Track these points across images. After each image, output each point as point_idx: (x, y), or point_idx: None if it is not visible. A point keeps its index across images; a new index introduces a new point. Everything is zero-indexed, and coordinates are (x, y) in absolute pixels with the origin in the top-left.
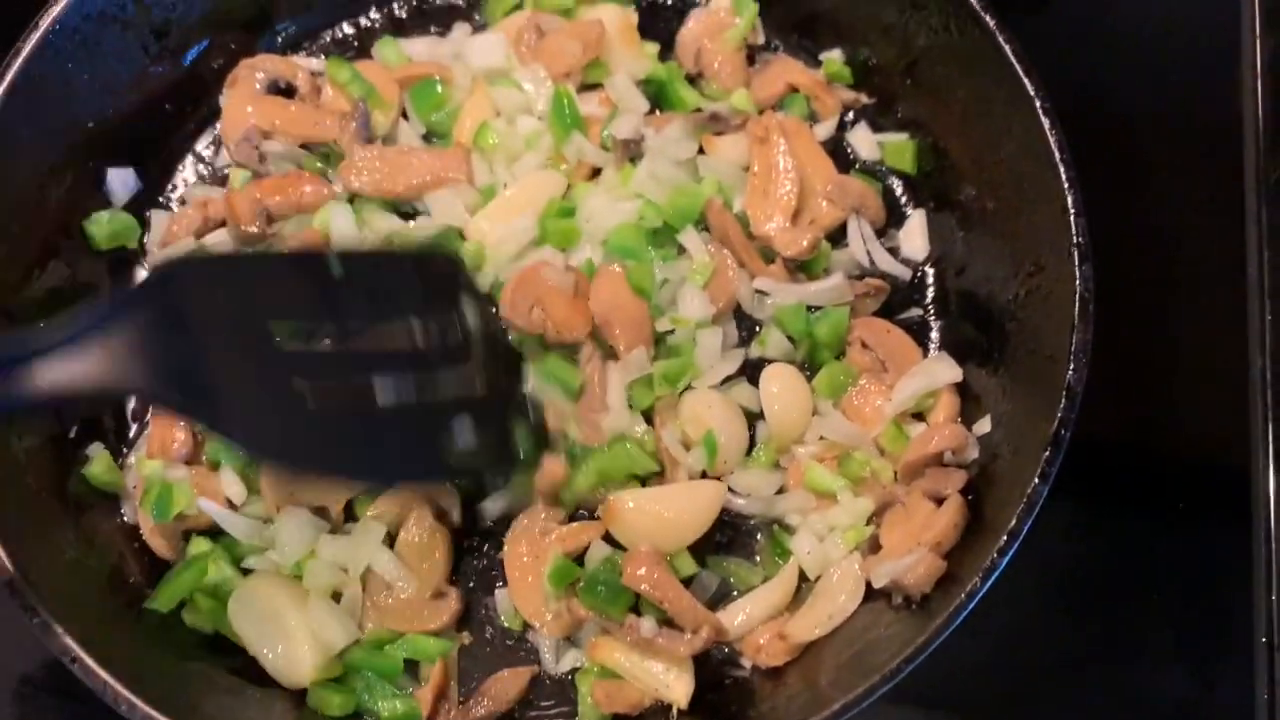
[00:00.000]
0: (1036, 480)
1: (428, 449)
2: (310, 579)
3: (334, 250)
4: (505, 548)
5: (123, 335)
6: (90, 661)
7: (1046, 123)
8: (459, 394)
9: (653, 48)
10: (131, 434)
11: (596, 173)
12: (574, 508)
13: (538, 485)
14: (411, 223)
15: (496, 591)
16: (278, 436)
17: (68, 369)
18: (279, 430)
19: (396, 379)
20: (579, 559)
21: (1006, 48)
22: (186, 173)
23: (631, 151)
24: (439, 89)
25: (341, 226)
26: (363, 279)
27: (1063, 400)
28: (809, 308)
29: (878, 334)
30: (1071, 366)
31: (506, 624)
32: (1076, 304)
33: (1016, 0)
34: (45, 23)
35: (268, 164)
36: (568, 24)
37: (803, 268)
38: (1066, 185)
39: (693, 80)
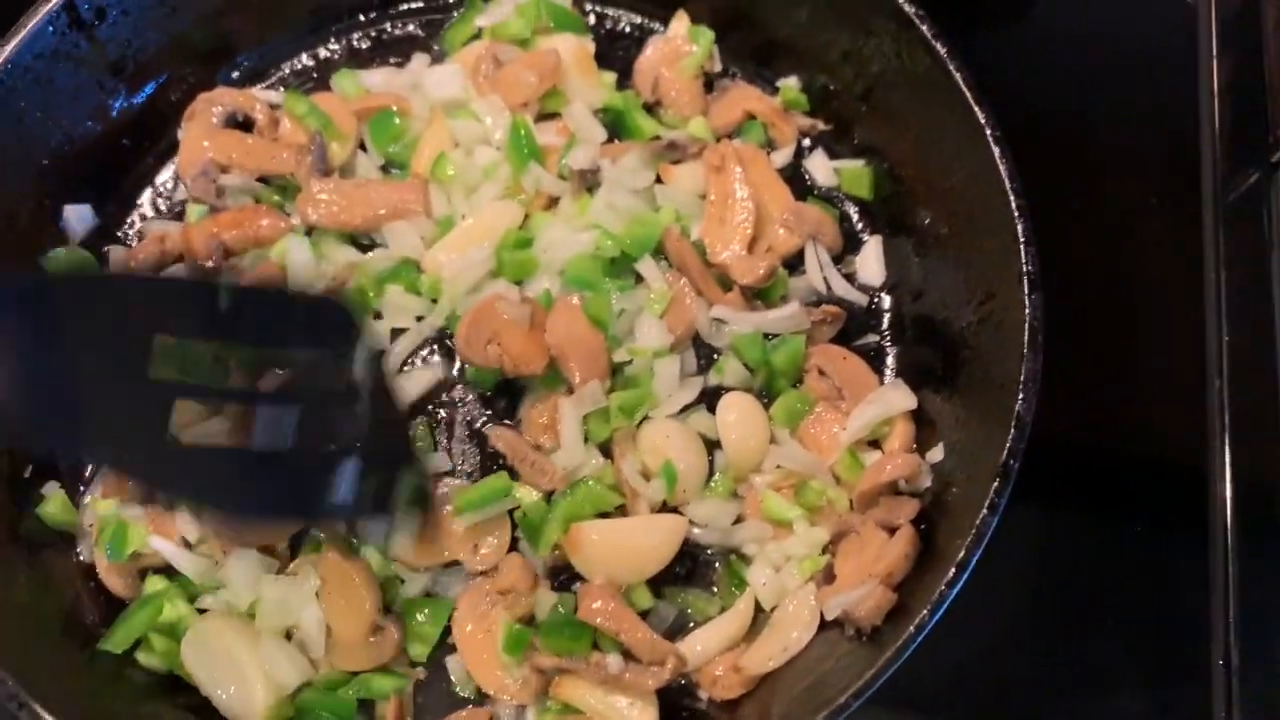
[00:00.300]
0: (985, 511)
1: (300, 490)
2: (261, 619)
3: (225, 282)
4: (453, 627)
5: None
6: (37, 707)
7: (997, 151)
8: (337, 439)
9: (610, 77)
10: (88, 473)
11: (555, 202)
12: (550, 554)
13: (476, 563)
14: (369, 254)
15: (449, 659)
16: (144, 459)
17: None
18: (146, 453)
19: (273, 417)
20: (529, 621)
21: (957, 75)
22: (144, 208)
23: (588, 181)
24: (396, 121)
25: (298, 260)
26: (252, 314)
27: (1011, 430)
28: (766, 335)
29: (834, 361)
30: (1021, 396)
31: (460, 691)
32: (1026, 333)
33: (990, 13)
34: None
35: (225, 198)
36: (524, 54)
37: (760, 295)
38: (1016, 214)
39: (650, 109)
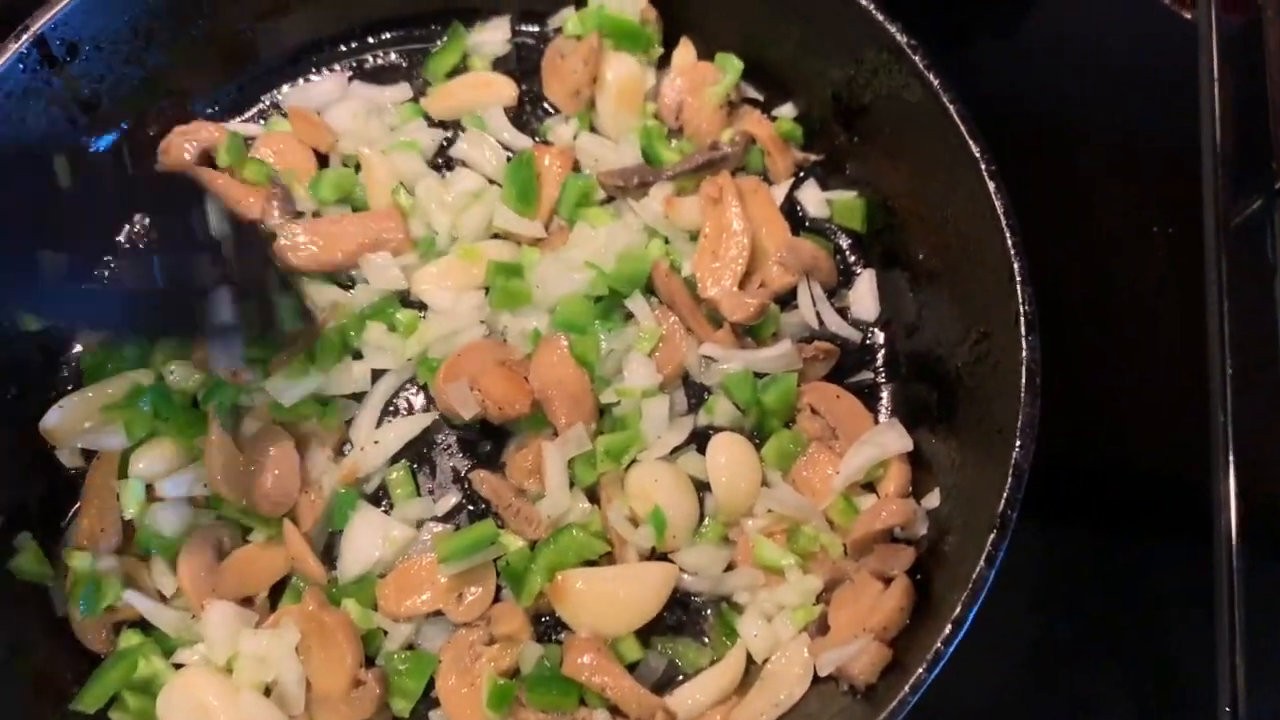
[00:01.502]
0: (982, 564)
1: (183, 315)
2: (239, 675)
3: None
4: (436, 680)
5: None
6: None
7: (992, 186)
8: (203, 277)
9: (651, 106)
10: (64, 523)
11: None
12: (534, 604)
13: (461, 614)
14: (351, 291)
15: (432, 714)
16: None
17: None
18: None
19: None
20: (514, 674)
21: (951, 108)
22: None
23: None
24: (336, 178)
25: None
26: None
27: (1009, 479)
28: (757, 374)
29: (828, 400)
30: (1019, 443)
31: None
32: (1024, 376)
33: (981, 29)
34: None
35: None
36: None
37: (751, 332)
38: (1013, 251)
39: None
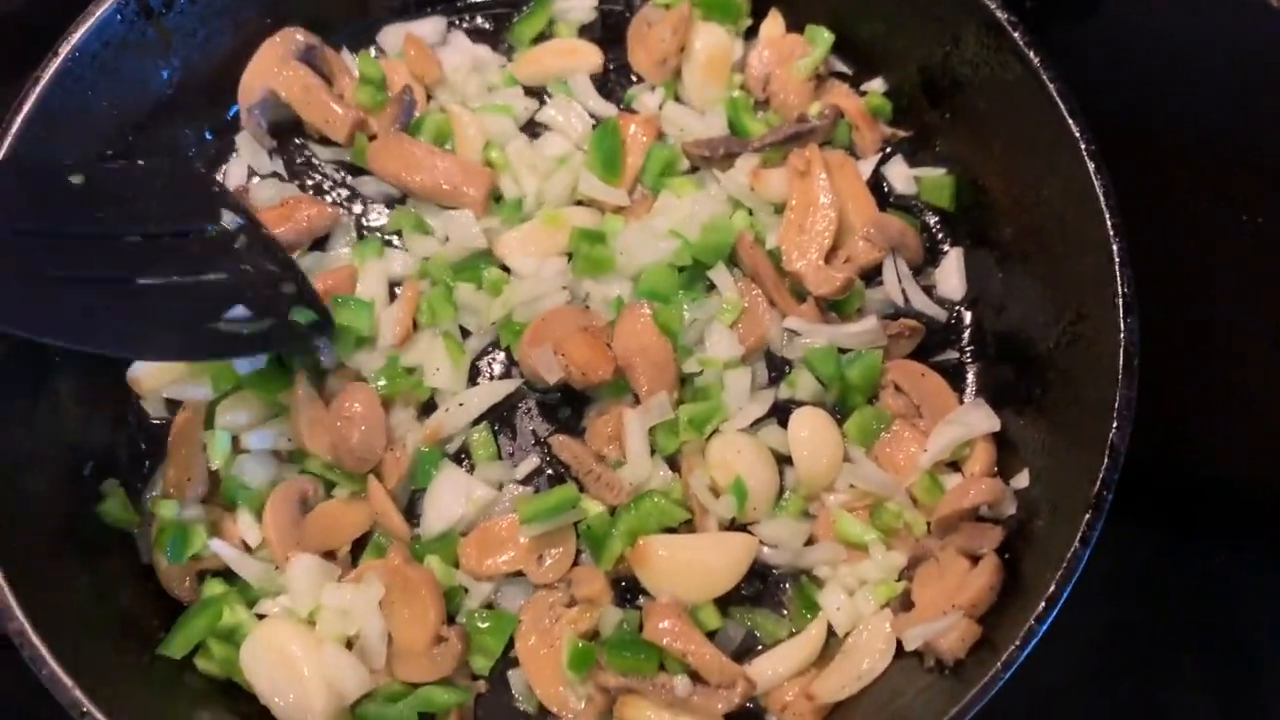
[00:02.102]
0: (1077, 544)
1: (204, 328)
2: (323, 627)
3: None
4: (516, 640)
5: None
6: (100, 715)
7: (1092, 167)
8: (233, 285)
9: (738, 78)
10: (146, 469)
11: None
12: (614, 568)
13: (540, 575)
14: (444, 246)
15: (511, 673)
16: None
17: None
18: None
19: (153, 265)
20: (593, 636)
21: (1051, 86)
22: None
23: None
24: (437, 121)
25: (373, 267)
26: (110, 189)
27: (1105, 459)
28: (841, 349)
29: (912, 378)
30: (1115, 424)
31: (522, 706)
32: (1121, 358)
33: (1060, 12)
34: (64, 49)
35: (265, 136)
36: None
37: (835, 307)
38: (1113, 234)
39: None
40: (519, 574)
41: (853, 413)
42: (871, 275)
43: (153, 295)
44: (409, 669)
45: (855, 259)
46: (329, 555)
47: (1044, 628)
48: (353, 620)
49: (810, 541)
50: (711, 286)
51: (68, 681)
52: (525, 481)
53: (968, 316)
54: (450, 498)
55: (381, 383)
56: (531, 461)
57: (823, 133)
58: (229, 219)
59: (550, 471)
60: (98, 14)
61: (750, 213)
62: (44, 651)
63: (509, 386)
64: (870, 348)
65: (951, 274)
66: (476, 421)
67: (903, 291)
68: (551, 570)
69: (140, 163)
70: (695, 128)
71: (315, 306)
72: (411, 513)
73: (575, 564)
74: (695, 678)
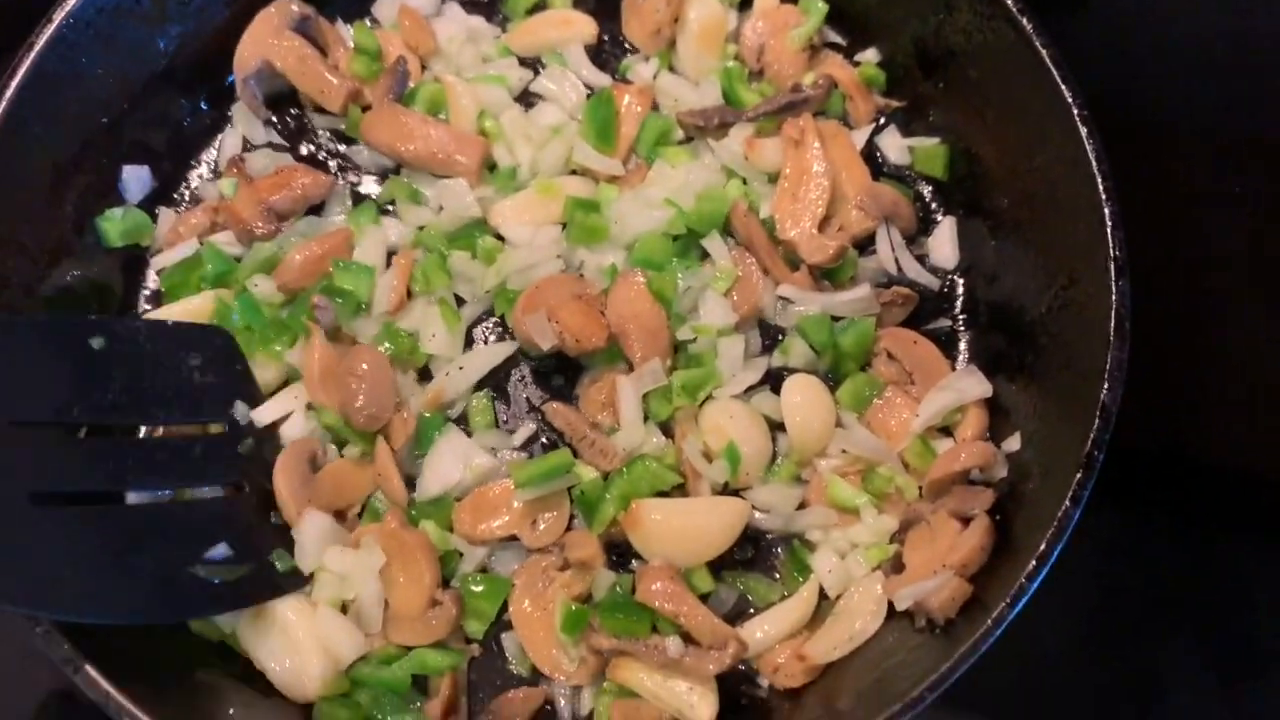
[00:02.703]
0: (1068, 503)
1: (180, 579)
2: (319, 591)
3: (98, 321)
4: (510, 604)
5: None
6: (93, 672)
7: (1084, 131)
8: (222, 513)
9: (733, 49)
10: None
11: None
12: (607, 532)
13: (534, 539)
14: (439, 215)
15: (504, 636)
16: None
17: None
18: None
19: (154, 489)
20: (586, 600)
21: (1044, 52)
22: (202, 169)
23: (691, 132)
24: (431, 91)
25: (370, 231)
26: (130, 357)
27: (1096, 420)
28: (834, 317)
29: (904, 345)
30: (1106, 385)
31: (516, 669)
32: (1113, 320)
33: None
34: (59, 16)
35: (261, 106)
36: None
37: (828, 275)
38: (1104, 197)
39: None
40: (513, 539)
41: (845, 379)
42: (865, 244)
43: (135, 521)
44: (404, 632)
45: (848, 228)
46: (339, 516)
47: (1034, 585)
48: (350, 585)
49: (802, 506)
50: (705, 255)
51: (61, 638)
52: (520, 449)
53: (960, 284)
54: (450, 462)
55: (386, 345)
56: (527, 429)
57: (816, 102)
58: (241, 411)
59: (544, 439)
60: None
61: (744, 182)
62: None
63: (507, 349)
64: (863, 315)
65: (944, 243)
66: (476, 389)
67: (895, 260)
68: (545, 534)
69: (169, 322)
70: (689, 98)
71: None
72: (411, 481)
73: (569, 529)
74: (687, 639)
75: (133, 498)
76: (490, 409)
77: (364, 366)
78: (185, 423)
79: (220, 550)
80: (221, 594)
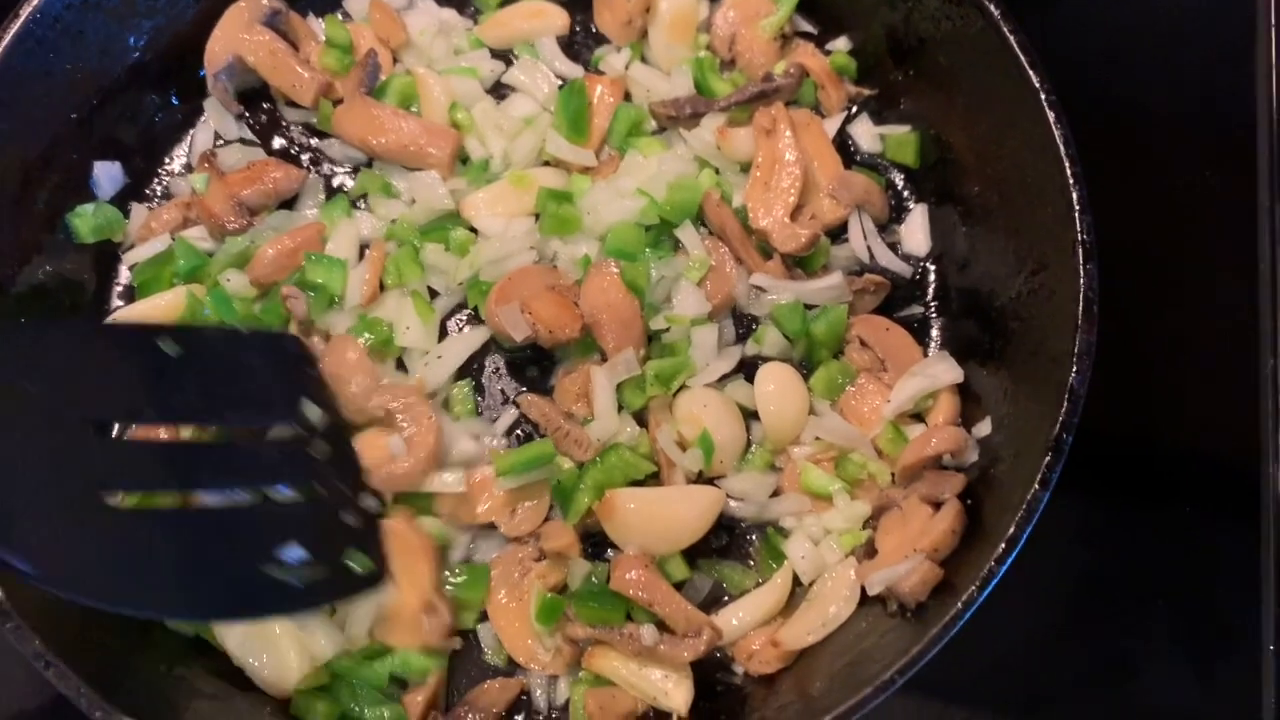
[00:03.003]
0: (1036, 486)
1: (252, 579)
2: None
3: (171, 327)
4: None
5: None
6: (64, 666)
7: (1052, 116)
8: (295, 514)
9: (704, 39)
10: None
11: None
12: (581, 521)
13: (512, 528)
14: (411, 207)
15: (480, 627)
16: (75, 558)
17: None
18: (77, 550)
19: (226, 489)
20: (561, 591)
21: (1011, 38)
22: (174, 164)
23: (664, 123)
24: (402, 84)
25: (343, 225)
26: (201, 361)
27: (1065, 403)
28: (807, 305)
29: (877, 332)
30: (1075, 368)
31: (490, 659)
32: (1080, 304)
33: None
34: (26, 11)
35: (232, 101)
36: None
37: (801, 264)
38: (1072, 181)
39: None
40: (491, 526)
41: (818, 367)
42: (837, 232)
43: (207, 522)
44: (393, 633)
45: (820, 216)
46: None
47: (1003, 569)
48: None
49: (776, 494)
50: (678, 245)
51: (31, 633)
52: (505, 435)
53: (932, 272)
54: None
55: (366, 336)
56: (503, 420)
57: (787, 91)
58: (312, 413)
59: (519, 431)
60: None
61: (717, 172)
62: (7, 605)
63: (482, 335)
64: (835, 303)
65: (916, 230)
66: (457, 378)
67: (868, 248)
68: (524, 523)
69: (241, 329)
70: (661, 88)
71: (373, 552)
72: None
73: (546, 519)
74: (662, 627)
75: (206, 499)
76: (471, 397)
77: (350, 356)
78: (256, 425)
79: (295, 551)
80: (297, 595)
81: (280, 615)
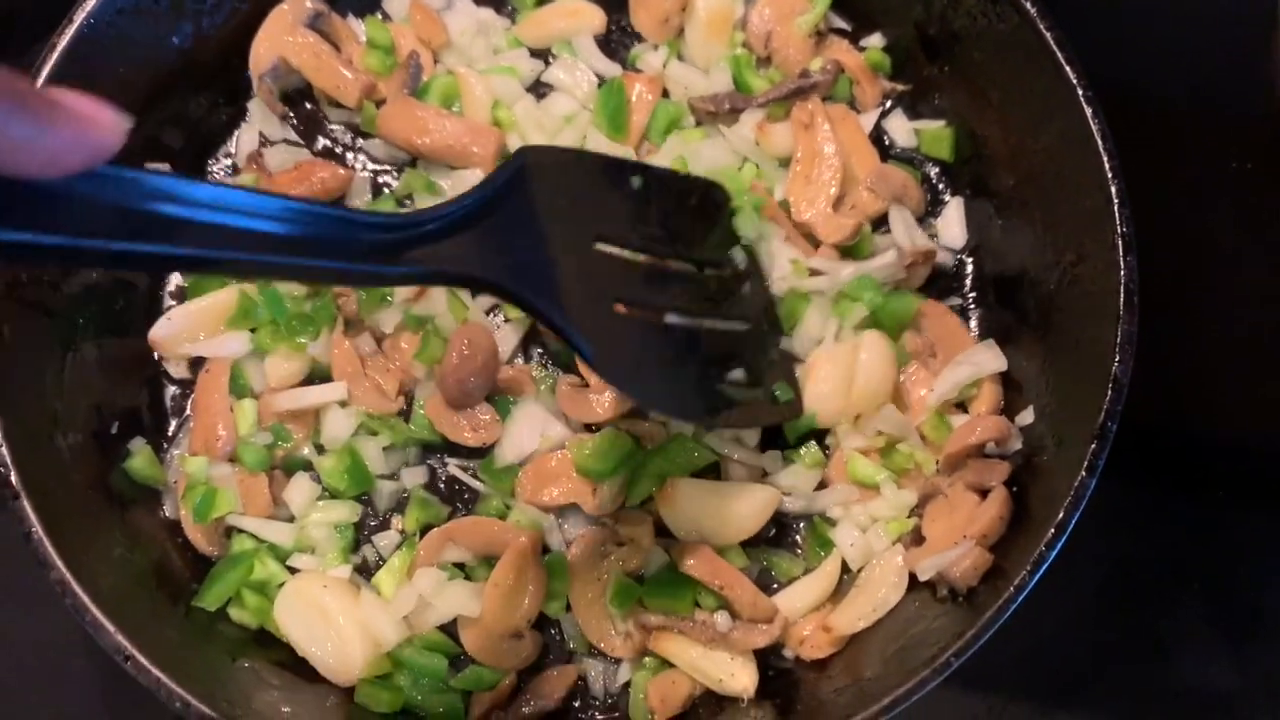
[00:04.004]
0: (1084, 473)
1: (703, 389)
2: (402, 608)
3: (638, 163)
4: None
5: (488, 228)
6: (144, 660)
7: (1089, 111)
8: (740, 340)
9: (740, 35)
10: (171, 429)
11: None
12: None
13: (594, 507)
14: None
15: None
16: (600, 342)
17: (440, 254)
18: (602, 336)
19: (689, 305)
20: (638, 577)
21: (1048, 35)
22: (219, 165)
23: (702, 118)
24: (444, 84)
25: None
26: (658, 196)
27: (1109, 392)
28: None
29: (939, 315)
30: (1118, 358)
31: (573, 647)
32: (1121, 294)
33: None
34: (79, 17)
35: (277, 102)
36: None
37: (846, 254)
38: (1110, 175)
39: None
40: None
41: None
42: (877, 224)
43: (681, 338)
44: (475, 642)
45: (860, 208)
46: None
47: (1054, 553)
48: (445, 614)
49: (822, 485)
50: None
51: (110, 627)
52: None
53: (970, 264)
54: (528, 431)
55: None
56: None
57: (824, 87)
58: (740, 257)
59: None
60: None
61: (757, 167)
62: (86, 600)
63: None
64: (892, 279)
65: (953, 223)
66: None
67: (910, 241)
68: (606, 502)
69: (684, 174)
70: (699, 85)
71: (793, 382)
72: None
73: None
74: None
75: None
76: (552, 376)
77: (466, 342)
78: (703, 262)
79: (738, 373)
80: (743, 411)
81: (730, 425)
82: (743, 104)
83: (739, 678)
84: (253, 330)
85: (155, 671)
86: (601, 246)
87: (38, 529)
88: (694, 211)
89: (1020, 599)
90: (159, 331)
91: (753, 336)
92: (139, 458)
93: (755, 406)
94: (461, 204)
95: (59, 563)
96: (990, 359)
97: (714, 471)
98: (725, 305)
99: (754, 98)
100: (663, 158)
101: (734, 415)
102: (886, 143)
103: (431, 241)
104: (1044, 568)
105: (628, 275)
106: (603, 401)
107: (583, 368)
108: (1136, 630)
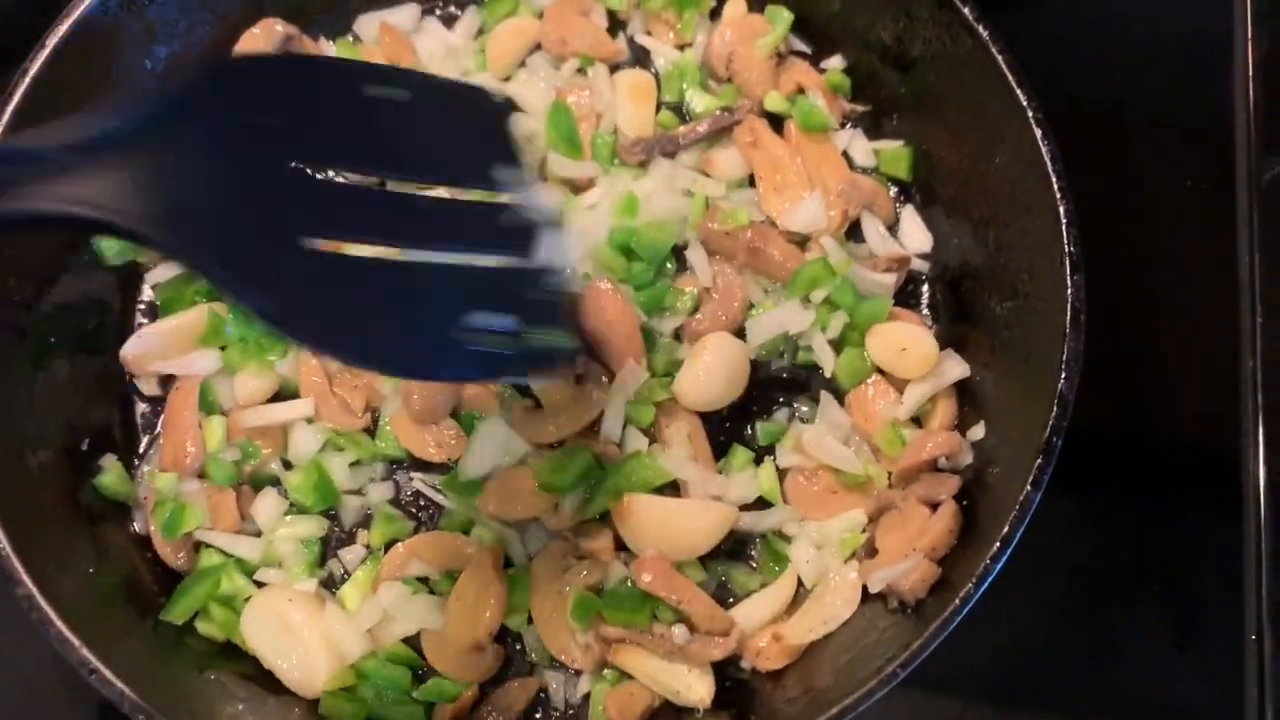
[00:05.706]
0: (1029, 487)
1: (447, 338)
2: (378, 630)
3: (377, 67)
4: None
5: (132, 160)
6: (108, 673)
7: (1039, 133)
8: (496, 280)
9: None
10: (141, 446)
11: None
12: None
13: (556, 521)
14: None
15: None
16: (284, 295)
17: (64, 192)
18: (286, 288)
19: (434, 241)
20: (598, 590)
21: (999, 58)
22: None
23: (636, 159)
24: None
25: None
26: (404, 106)
27: (1054, 409)
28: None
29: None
30: (1064, 376)
31: (535, 659)
32: (1068, 313)
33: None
34: (52, 40)
35: None
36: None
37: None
38: (1059, 196)
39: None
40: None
41: (842, 350)
42: (848, 235)
43: (411, 277)
44: (437, 657)
45: (839, 211)
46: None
47: (999, 566)
48: (408, 627)
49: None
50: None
51: (75, 641)
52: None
53: (925, 283)
54: (491, 447)
55: None
56: None
57: (744, 111)
58: (510, 176)
59: None
60: (83, 5)
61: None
62: (51, 614)
63: None
64: (877, 296)
65: (914, 230)
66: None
67: (884, 246)
68: (569, 516)
69: (445, 79)
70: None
71: (575, 324)
72: None
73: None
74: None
75: (408, 255)
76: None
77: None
78: (459, 185)
79: (499, 318)
80: (496, 362)
81: (474, 379)
82: (670, 146)
83: (696, 689)
84: (223, 348)
85: (119, 684)
86: (309, 172)
87: (4, 544)
88: (455, 123)
89: (965, 611)
90: (130, 349)
91: (518, 274)
92: (109, 474)
93: (521, 359)
94: (106, 129)
95: (25, 578)
96: (953, 366)
97: (674, 487)
98: (484, 236)
99: (677, 136)
100: (599, 193)
101: (491, 367)
102: (847, 162)
103: (53, 176)
104: (989, 581)
105: (339, 204)
106: (558, 421)
107: (537, 388)
108: (1092, 635)
